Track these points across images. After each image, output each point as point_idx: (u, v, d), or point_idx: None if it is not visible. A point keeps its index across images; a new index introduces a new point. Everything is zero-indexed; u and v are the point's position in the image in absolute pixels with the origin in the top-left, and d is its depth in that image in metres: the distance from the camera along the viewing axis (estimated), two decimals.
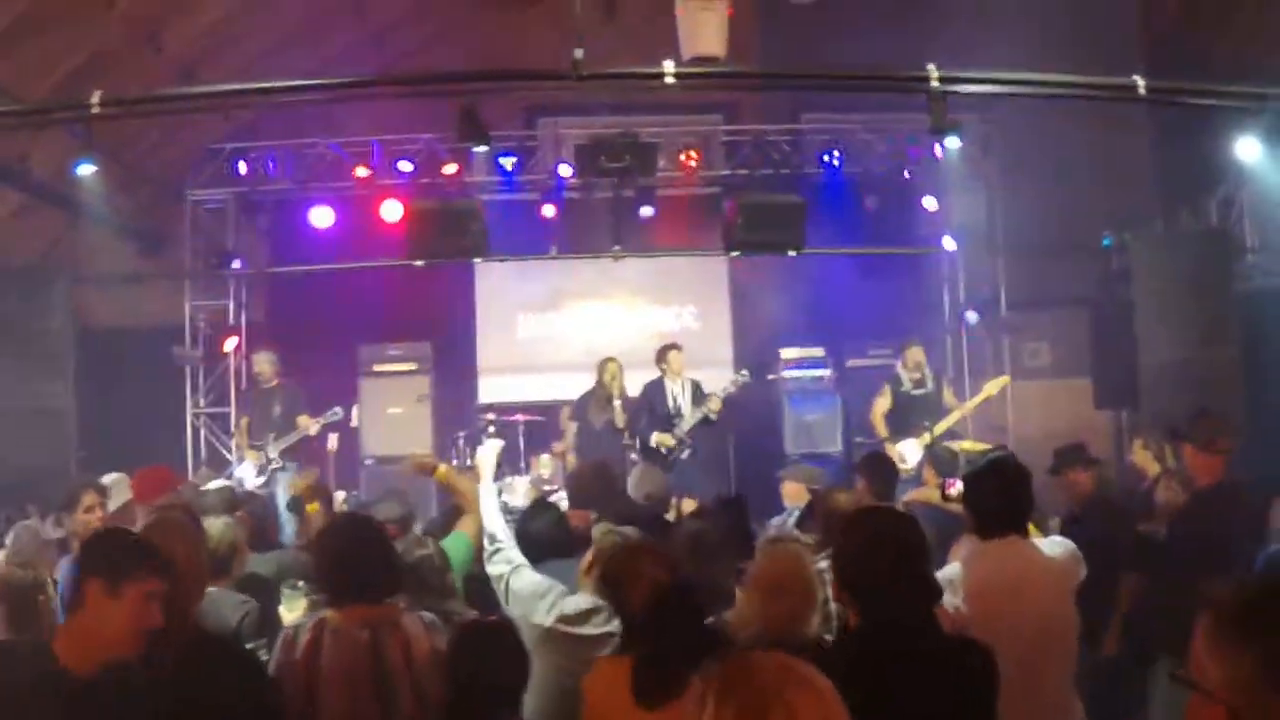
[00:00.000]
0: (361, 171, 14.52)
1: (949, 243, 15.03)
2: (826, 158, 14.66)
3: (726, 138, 15.39)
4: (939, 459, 8.77)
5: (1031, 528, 5.27)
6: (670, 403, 12.79)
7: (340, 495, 11.96)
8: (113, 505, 7.66)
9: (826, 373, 14.66)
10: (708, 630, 4.30)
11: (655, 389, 12.93)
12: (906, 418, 12.53)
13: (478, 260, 14.41)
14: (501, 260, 14.88)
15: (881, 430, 12.69)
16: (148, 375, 14.20)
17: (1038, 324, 14.94)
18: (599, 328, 15.73)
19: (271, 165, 14.62)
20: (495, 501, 6.13)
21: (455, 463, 11.57)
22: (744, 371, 13.23)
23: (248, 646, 5.05)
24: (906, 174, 15.13)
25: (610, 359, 13.05)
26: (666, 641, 4.05)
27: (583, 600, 5.13)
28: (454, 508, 6.86)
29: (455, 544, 6.00)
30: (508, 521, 6.03)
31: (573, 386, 13.71)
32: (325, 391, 13.43)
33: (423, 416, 14.40)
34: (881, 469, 7.88)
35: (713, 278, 16.03)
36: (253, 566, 6.55)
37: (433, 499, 13.13)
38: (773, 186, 14.61)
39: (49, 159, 11.45)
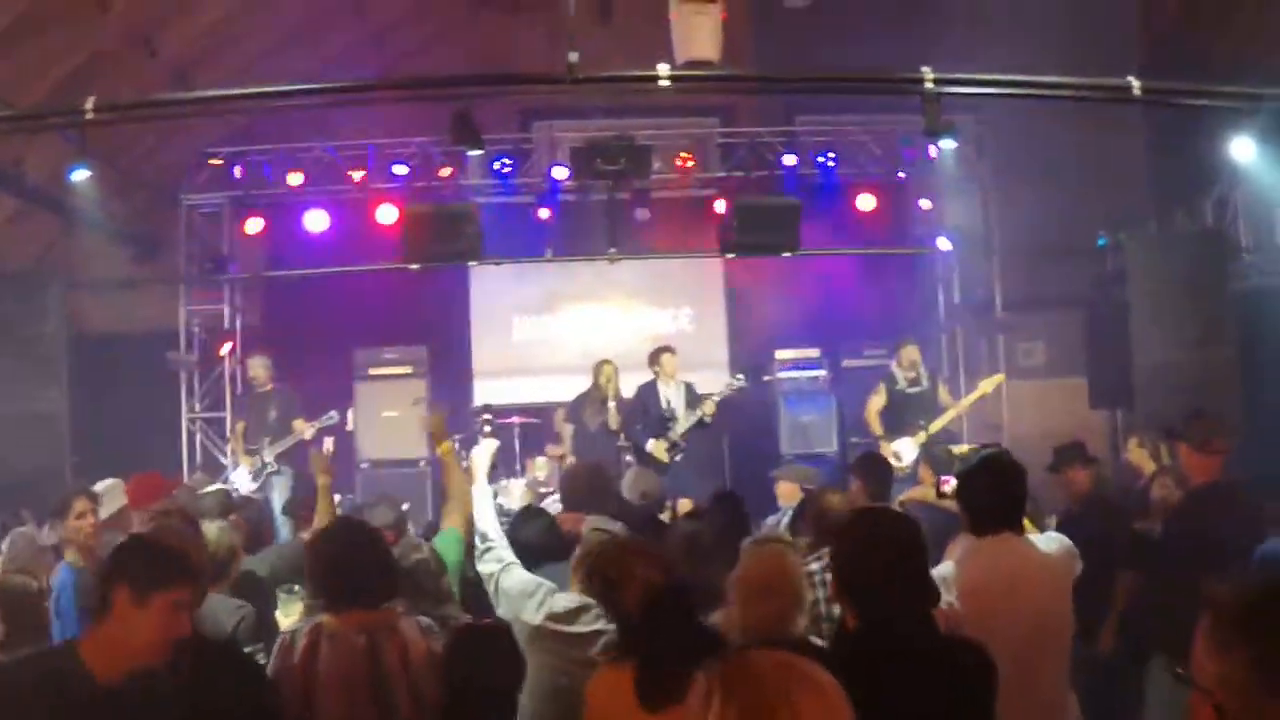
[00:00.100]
0: (356, 175, 14.52)
1: (944, 243, 15.05)
2: (821, 159, 14.68)
3: (721, 140, 15.40)
4: (935, 458, 8.78)
5: (1028, 524, 5.27)
6: (664, 405, 12.80)
7: (336, 498, 11.96)
8: (107, 511, 7.66)
9: (822, 373, 14.67)
10: (705, 630, 4.30)
11: (648, 392, 12.94)
12: (901, 416, 12.54)
13: (473, 263, 14.42)
14: (497, 263, 14.86)
15: (876, 428, 12.70)
16: (142, 380, 14.20)
17: (1032, 323, 14.95)
18: (594, 330, 15.74)
19: (266, 169, 14.61)
20: (489, 500, 6.13)
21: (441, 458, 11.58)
22: (739, 376, 13.21)
23: (245, 651, 5.05)
24: (901, 175, 15.14)
25: (606, 361, 13.06)
26: (663, 643, 4.03)
27: (571, 598, 5.12)
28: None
29: (446, 541, 6.00)
30: (500, 525, 6.02)
31: (568, 389, 13.71)
32: (321, 395, 13.43)
33: (418, 420, 14.38)
34: (876, 469, 7.86)
35: (708, 280, 16.03)
36: (246, 565, 6.56)
37: (428, 501, 13.17)
38: (767, 188, 14.65)
39: (43, 163, 11.44)
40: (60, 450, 12.37)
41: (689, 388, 12.95)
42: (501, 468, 12.44)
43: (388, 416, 14.42)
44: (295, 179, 14.51)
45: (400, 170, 14.48)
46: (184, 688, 3.90)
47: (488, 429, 9.82)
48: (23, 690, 3.64)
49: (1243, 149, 10.25)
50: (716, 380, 13.73)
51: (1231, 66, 11.83)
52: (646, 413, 12.80)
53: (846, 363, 14.78)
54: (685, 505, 9.79)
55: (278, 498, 12.21)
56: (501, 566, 5.52)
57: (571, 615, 5.04)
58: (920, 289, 15.79)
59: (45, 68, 10.68)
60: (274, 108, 11.46)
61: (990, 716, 3.74)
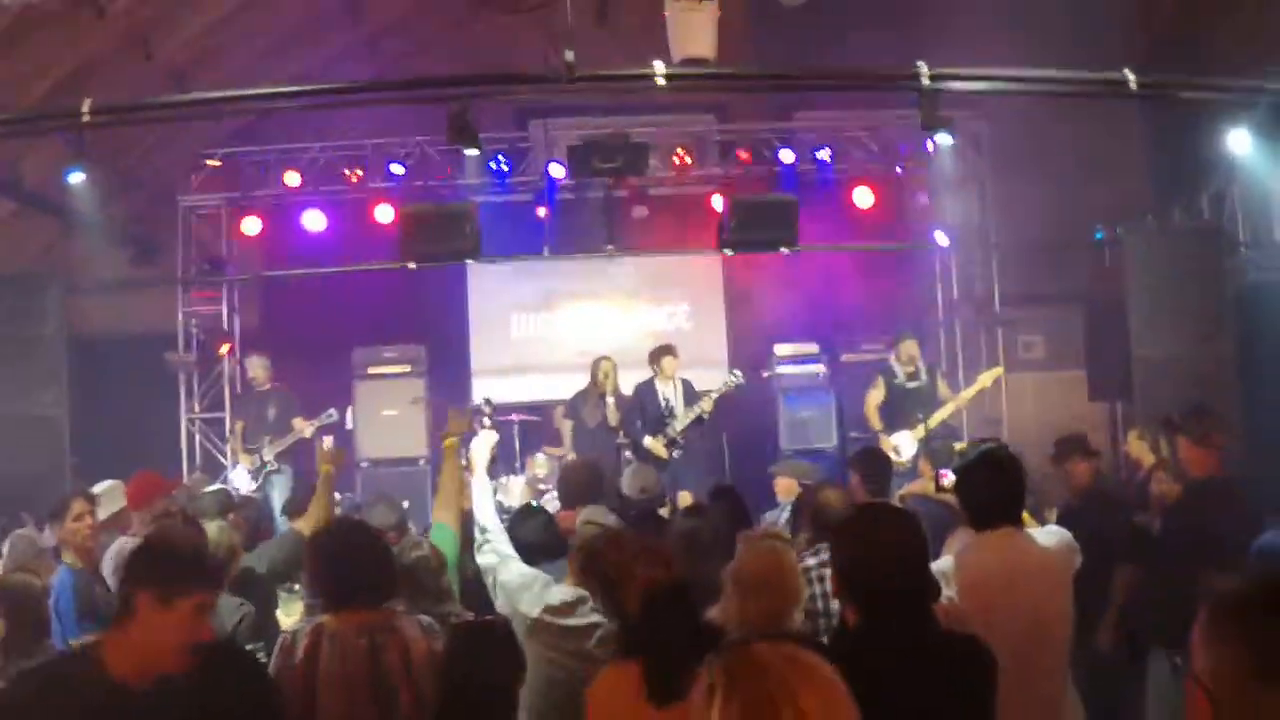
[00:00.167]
0: (354, 175, 14.53)
1: (941, 238, 15.06)
2: (819, 155, 14.69)
3: (718, 136, 15.40)
4: (935, 451, 8.78)
5: (1027, 518, 5.28)
6: (661, 403, 12.81)
7: (336, 497, 11.96)
8: (105, 512, 7.66)
9: (820, 368, 14.64)
10: (707, 625, 4.31)
11: (646, 390, 12.96)
12: (900, 411, 12.56)
13: (471, 262, 14.43)
14: (495, 261, 14.90)
15: (875, 422, 12.72)
16: (141, 381, 14.19)
17: (1031, 317, 14.95)
18: (593, 327, 15.74)
19: (264, 170, 14.63)
20: (489, 493, 6.15)
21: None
22: (737, 372, 13.19)
23: (246, 649, 5.06)
24: (899, 171, 15.14)
25: (604, 358, 13.09)
26: (668, 639, 4.05)
27: (567, 591, 5.17)
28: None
29: (438, 537, 6.00)
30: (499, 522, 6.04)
31: (567, 386, 13.74)
32: (320, 395, 13.44)
33: (417, 418, 14.38)
34: (875, 464, 7.88)
35: (706, 276, 16.04)
36: (244, 562, 6.58)
37: (428, 500, 13.15)
38: (765, 185, 14.65)
39: (41, 166, 11.44)
40: (60, 452, 12.37)
41: (687, 385, 12.96)
42: (501, 465, 12.45)
43: (387, 415, 14.42)
44: (293, 179, 14.52)
45: (398, 170, 14.49)
46: (194, 689, 3.91)
47: (487, 421, 9.82)
48: (45, 695, 3.63)
49: (1240, 143, 10.27)
50: (715, 377, 13.74)
51: (1229, 61, 11.83)
52: (644, 410, 12.82)
53: (845, 358, 14.76)
54: (685, 499, 9.81)
55: (277, 497, 12.23)
56: (499, 560, 5.56)
57: (568, 608, 5.09)
58: (918, 284, 15.79)
59: (41, 71, 10.68)
60: (271, 109, 11.48)
61: (991, 711, 3.75)
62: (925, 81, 9.03)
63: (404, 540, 6.30)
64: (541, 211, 14.94)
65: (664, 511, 7.85)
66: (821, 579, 5.52)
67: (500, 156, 14.58)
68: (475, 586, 5.83)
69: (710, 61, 8.57)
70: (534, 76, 9.64)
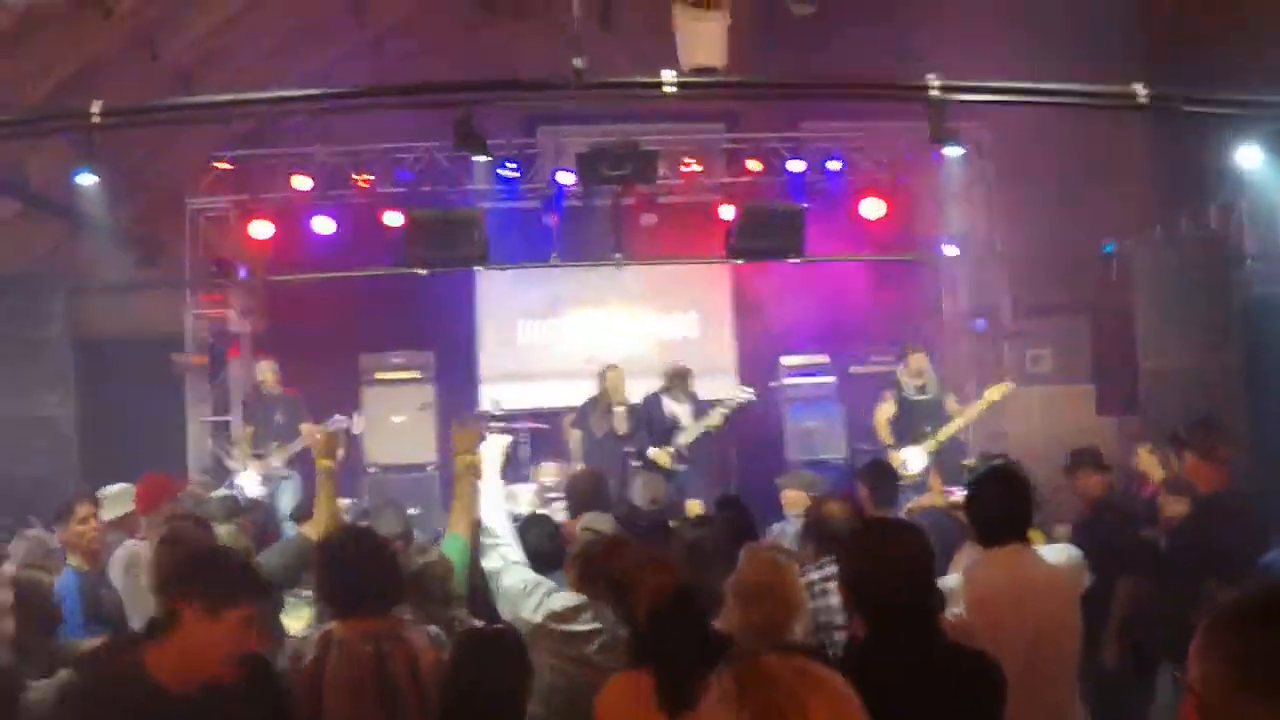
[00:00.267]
0: (363, 179, 14.54)
1: (949, 250, 15.05)
2: (827, 164, 14.69)
3: (727, 145, 15.41)
4: (945, 466, 8.77)
5: (1036, 534, 5.27)
6: (669, 417, 12.82)
7: (344, 503, 11.95)
8: (111, 514, 7.68)
9: (829, 380, 14.65)
10: (716, 634, 4.31)
11: (654, 403, 12.96)
12: (909, 424, 12.50)
13: (479, 268, 14.45)
14: (503, 268, 14.92)
15: (887, 438, 12.66)
16: (148, 384, 14.17)
17: (1040, 330, 14.92)
18: (600, 335, 15.74)
19: (273, 173, 14.63)
20: (499, 496, 6.16)
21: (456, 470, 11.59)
22: (747, 389, 13.16)
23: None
24: (907, 181, 15.13)
25: (611, 366, 13.07)
26: (677, 649, 4.04)
27: (569, 597, 5.19)
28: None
29: (451, 547, 6.00)
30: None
31: (574, 394, 13.74)
32: (328, 400, 13.41)
33: (425, 424, 14.39)
34: (882, 476, 7.87)
35: (714, 285, 16.03)
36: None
37: (436, 506, 13.16)
38: (773, 194, 14.65)
39: (46, 167, 11.44)
40: (65, 454, 12.40)
41: (696, 400, 12.96)
42: (509, 472, 12.45)
43: (395, 421, 14.43)
44: (301, 183, 14.52)
45: (406, 175, 14.51)
46: (240, 698, 3.91)
47: (497, 425, 9.80)
48: (97, 705, 3.62)
49: (1249, 156, 10.26)
50: (722, 386, 13.74)
51: (1239, 74, 11.81)
52: (650, 423, 12.81)
53: (853, 369, 14.76)
54: (694, 508, 9.80)
55: (285, 502, 12.22)
56: (504, 565, 5.57)
57: (570, 614, 5.11)
58: (927, 295, 15.78)
59: (46, 72, 10.68)
60: (281, 112, 11.48)
61: None
62: (934, 93, 9.02)
63: (412, 547, 6.31)
64: (550, 219, 14.94)
65: (674, 523, 7.85)
66: (825, 592, 5.52)
67: (509, 163, 14.57)
68: (484, 595, 5.83)
69: (720, 71, 8.57)
70: (542, 83, 9.65)
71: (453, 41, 14.49)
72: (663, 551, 5.23)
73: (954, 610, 4.57)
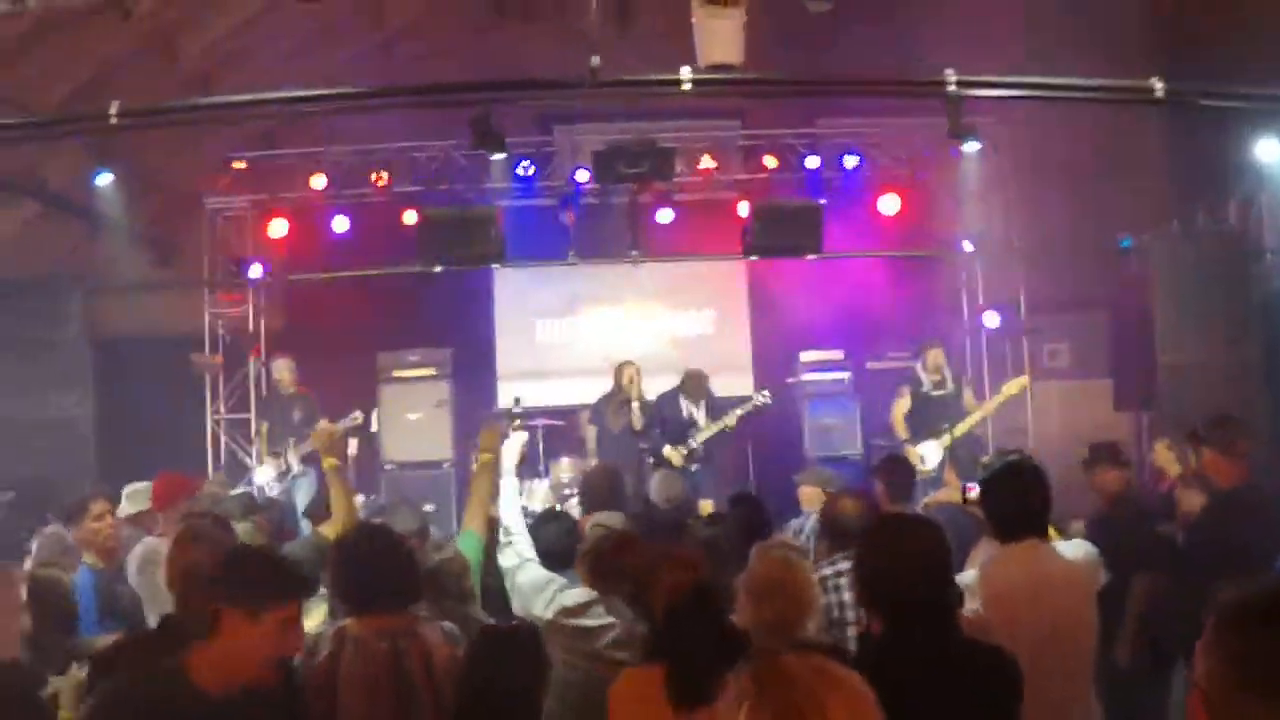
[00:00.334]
0: (380, 178, 14.56)
1: (966, 245, 15.03)
2: (844, 161, 14.67)
3: (743, 142, 15.39)
4: (961, 460, 8.74)
5: (1052, 531, 5.25)
6: (685, 415, 12.82)
7: (360, 500, 11.98)
8: (126, 512, 7.71)
9: (845, 375, 14.62)
10: (734, 631, 4.31)
11: (669, 401, 12.97)
12: (926, 419, 12.49)
13: (496, 266, 14.47)
14: (520, 266, 14.94)
15: (902, 432, 12.65)
16: (165, 383, 14.20)
17: (1057, 325, 14.89)
18: (617, 332, 15.74)
19: (290, 173, 14.66)
20: (515, 494, 6.17)
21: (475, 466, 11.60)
22: (765, 392, 13.13)
23: None
24: (924, 177, 15.10)
25: (627, 363, 13.06)
26: (694, 645, 4.05)
27: (580, 593, 5.22)
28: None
29: (466, 543, 6.02)
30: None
31: (591, 391, 13.73)
32: (345, 398, 13.41)
33: (442, 422, 14.40)
34: (898, 472, 7.85)
35: (731, 282, 16.02)
36: None
37: (453, 503, 13.18)
38: (790, 190, 14.63)
39: (64, 168, 11.49)
40: (83, 453, 12.45)
41: (712, 399, 12.96)
42: (525, 468, 12.47)
43: (412, 418, 14.43)
44: (318, 182, 14.56)
45: (423, 173, 14.53)
46: (281, 700, 3.90)
47: (518, 421, 9.83)
48: (137, 711, 3.59)
49: (1268, 150, 10.22)
50: (738, 383, 13.73)
51: (1257, 68, 11.76)
52: (665, 421, 12.81)
53: (870, 365, 14.74)
54: (706, 507, 9.79)
55: (301, 500, 12.25)
56: (519, 562, 5.60)
57: (581, 609, 5.14)
58: (944, 291, 15.75)
59: (64, 74, 10.72)
60: (298, 112, 11.50)
61: None
62: (952, 88, 9.00)
63: (428, 544, 6.32)
64: (566, 216, 14.95)
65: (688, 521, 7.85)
66: (838, 588, 5.52)
67: (525, 161, 14.58)
68: (499, 592, 5.85)
69: (737, 67, 8.56)
70: (558, 81, 9.65)
71: (464, 44, 14.50)
72: (681, 548, 5.21)
73: (971, 606, 4.56)
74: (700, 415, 12.81)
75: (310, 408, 13.35)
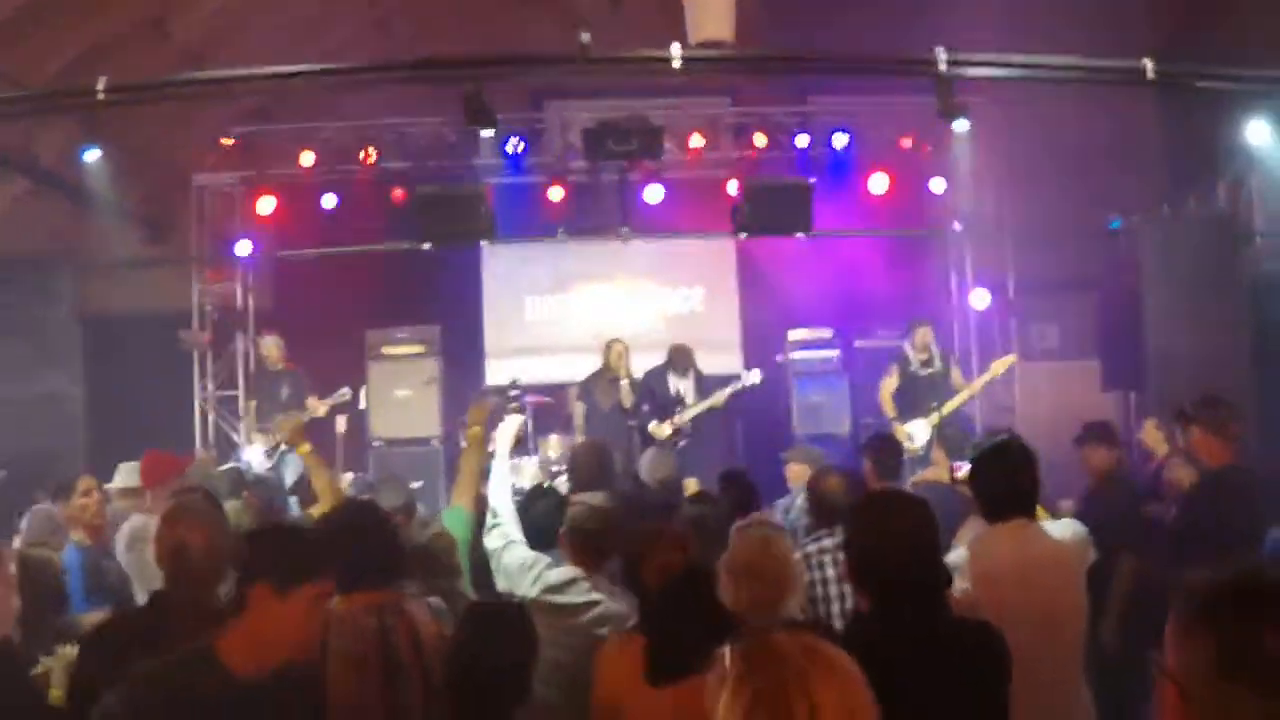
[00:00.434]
0: (369, 155, 14.52)
1: (956, 225, 15.03)
2: (834, 139, 14.65)
3: (734, 119, 15.36)
4: (948, 439, 8.75)
5: (1041, 511, 5.26)
6: (672, 392, 12.83)
7: (348, 477, 11.99)
8: (119, 485, 7.71)
9: (834, 354, 14.61)
10: (723, 611, 4.31)
11: (657, 377, 12.98)
12: (914, 397, 12.51)
13: (485, 243, 14.46)
14: (509, 243, 14.93)
15: (890, 410, 12.67)
16: (155, 361, 14.18)
17: (1046, 306, 14.90)
18: (606, 310, 15.74)
19: (278, 150, 14.62)
20: (507, 477, 6.18)
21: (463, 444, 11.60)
22: (755, 371, 13.13)
23: None
24: (914, 156, 15.07)
25: (616, 340, 13.09)
26: (680, 622, 4.06)
27: (563, 571, 5.27)
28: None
29: (454, 518, 6.03)
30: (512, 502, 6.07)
31: (580, 368, 13.73)
32: (333, 375, 13.41)
33: (430, 399, 14.38)
34: (887, 450, 7.85)
35: (720, 260, 16.01)
36: None
37: (441, 480, 13.18)
38: (780, 168, 14.61)
39: (54, 145, 11.45)
40: (74, 431, 12.44)
41: (699, 376, 12.97)
42: (515, 448, 12.46)
43: (400, 395, 14.41)
44: (307, 159, 14.52)
45: (412, 150, 14.49)
46: (313, 680, 3.88)
47: (514, 405, 9.83)
48: (166, 695, 3.53)
49: (1259, 132, 10.22)
50: (727, 360, 13.72)
51: (1248, 50, 11.76)
52: (654, 396, 12.82)
53: (859, 344, 14.73)
54: (691, 485, 9.80)
55: (290, 476, 12.25)
56: (505, 543, 5.62)
57: (563, 586, 5.20)
58: (933, 270, 15.76)
59: (56, 51, 10.67)
60: (287, 89, 11.46)
61: (1004, 699, 3.74)
62: (942, 67, 8.99)
63: (414, 520, 6.33)
64: (556, 194, 14.93)
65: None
66: (821, 565, 5.54)
67: (515, 139, 14.54)
68: (485, 568, 5.86)
69: (728, 44, 8.54)
70: (550, 57, 9.63)
71: (458, 24, 14.46)
72: (670, 527, 5.22)
73: (959, 585, 4.56)
74: (687, 390, 12.81)
75: (298, 383, 13.33)
